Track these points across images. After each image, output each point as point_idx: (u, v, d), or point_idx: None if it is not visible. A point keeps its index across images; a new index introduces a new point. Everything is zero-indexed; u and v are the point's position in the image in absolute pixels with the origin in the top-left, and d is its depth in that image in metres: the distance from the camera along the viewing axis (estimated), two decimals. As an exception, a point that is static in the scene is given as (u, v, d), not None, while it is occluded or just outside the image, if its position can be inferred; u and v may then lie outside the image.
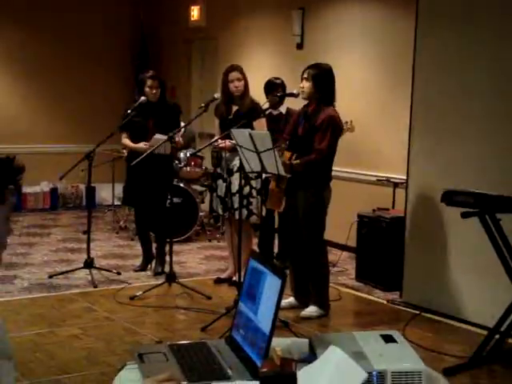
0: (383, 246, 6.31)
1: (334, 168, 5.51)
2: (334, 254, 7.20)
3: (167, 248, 6.25)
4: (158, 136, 6.18)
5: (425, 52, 5.71)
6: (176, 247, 6.77)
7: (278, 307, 2.11)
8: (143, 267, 6.73)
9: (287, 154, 5.34)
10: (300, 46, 8.32)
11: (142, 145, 6.32)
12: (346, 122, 5.72)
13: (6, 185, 1.92)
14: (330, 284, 5.77)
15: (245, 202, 5.95)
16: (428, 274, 5.73)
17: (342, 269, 6.97)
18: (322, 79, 5.34)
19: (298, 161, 5.22)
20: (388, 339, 2.21)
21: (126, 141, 6.52)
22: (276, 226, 6.91)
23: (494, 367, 4.46)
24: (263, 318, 2.19)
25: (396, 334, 2.24)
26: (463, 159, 5.39)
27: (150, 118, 6.40)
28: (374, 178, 7.34)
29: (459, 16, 5.45)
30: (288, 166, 5.19)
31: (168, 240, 6.40)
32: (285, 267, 5.99)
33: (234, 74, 6.04)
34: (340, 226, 6.84)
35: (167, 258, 6.33)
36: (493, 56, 5.20)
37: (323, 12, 8.03)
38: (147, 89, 6.40)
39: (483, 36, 5.26)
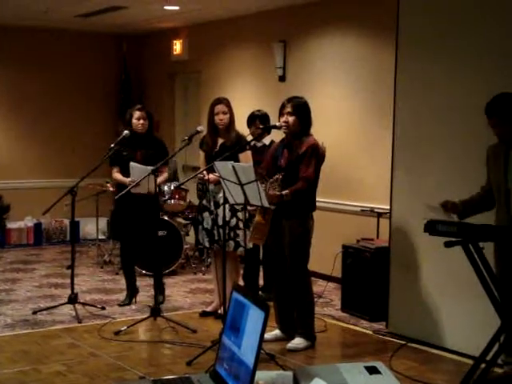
0: (368, 276, 6.31)
1: (318, 199, 5.53)
2: (319, 285, 7.20)
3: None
4: (133, 164, 6.19)
5: (405, 80, 5.77)
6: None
7: (261, 340, 2.10)
8: (129, 301, 6.69)
9: (276, 187, 5.31)
10: (282, 79, 8.38)
11: (127, 180, 6.31)
12: (322, 143, 5.74)
13: None
14: (316, 315, 5.76)
15: (232, 234, 5.96)
16: (413, 304, 5.73)
17: (328, 300, 6.96)
18: (303, 111, 5.39)
19: (287, 191, 5.22)
20: (372, 371, 2.21)
21: (117, 175, 6.53)
22: (261, 257, 6.90)
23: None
24: (247, 351, 2.17)
25: (380, 365, 2.23)
26: (446, 189, 5.42)
27: (137, 150, 6.43)
28: (358, 209, 7.37)
29: (437, 43, 5.51)
30: (279, 197, 5.19)
31: (154, 273, 6.42)
32: (269, 299, 5.98)
33: (220, 107, 6.07)
34: (325, 256, 6.84)
35: (152, 292, 6.35)
36: (473, 80, 5.26)
37: (304, 44, 8.11)
38: (134, 120, 6.44)
39: (462, 62, 5.32)
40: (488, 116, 4.51)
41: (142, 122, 6.45)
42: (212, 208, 6.07)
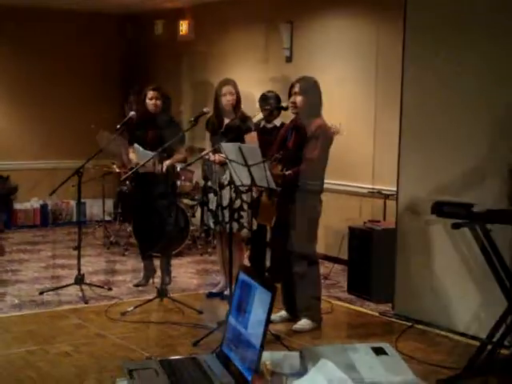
0: (375, 258, 6.30)
1: (325, 180, 5.51)
2: (325, 267, 7.20)
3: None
4: (136, 146, 6.20)
5: (413, 64, 5.73)
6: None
7: (268, 320, 2.10)
8: (146, 282, 6.71)
9: (278, 167, 5.33)
10: (289, 59, 8.34)
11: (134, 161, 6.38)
12: (339, 124, 5.73)
13: None
14: (322, 297, 5.76)
15: (236, 215, 5.95)
16: (420, 286, 5.72)
17: (334, 281, 6.96)
18: (312, 92, 5.35)
19: (290, 171, 5.21)
20: (379, 351, 2.20)
21: (131, 155, 6.56)
22: (267, 239, 6.89)
23: (486, 378, 4.44)
24: (253, 332, 2.17)
25: (387, 347, 2.23)
26: (453, 170, 5.40)
27: (149, 129, 6.40)
28: (365, 191, 7.35)
29: (446, 29, 5.47)
30: (281, 176, 5.18)
31: (162, 255, 6.45)
32: (276, 281, 5.98)
33: (227, 88, 6.05)
34: (331, 238, 6.84)
35: (159, 273, 6.38)
36: (481, 66, 5.22)
37: (312, 25, 8.06)
38: (148, 100, 6.44)
39: (471, 47, 5.28)
40: None
41: (154, 101, 6.42)
42: (217, 189, 6.06)
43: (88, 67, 10.42)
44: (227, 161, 5.24)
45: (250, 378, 2.05)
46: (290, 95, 5.40)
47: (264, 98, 6.80)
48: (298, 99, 5.33)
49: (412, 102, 5.77)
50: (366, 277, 6.37)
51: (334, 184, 7.27)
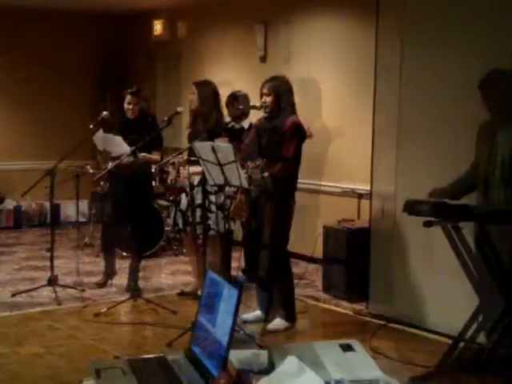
0: (349, 257, 6.31)
1: (299, 180, 5.51)
2: (300, 267, 7.20)
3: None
4: (97, 136, 6.19)
5: (385, 62, 5.74)
6: (142, 262, 6.70)
7: (235, 318, 2.09)
8: (105, 281, 6.66)
9: (251, 164, 5.29)
10: (263, 60, 8.34)
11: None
12: (308, 128, 5.74)
13: None
14: (297, 296, 5.77)
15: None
16: (393, 285, 5.75)
17: (309, 281, 6.96)
18: (282, 91, 5.35)
19: (267, 173, 5.19)
20: (346, 348, 2.20)
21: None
22: (240, 239, 6.89)
23: (459, 375, 4.47)
24: (221, 330, 2.17)
25: (354, 343, 2.23)
26: (425, 169, 5.42)
27: (127, 135, 6.20)
28: (339, 190, 7.36)
29: (417, 26, 5.50)
30: (260, 180, 5.16)
31: (132, 256, 6.43)
32: (251, 280, 5.97)
33: (192, 88, 6.08)
34: (306, 237, 6.84)
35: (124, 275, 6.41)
36: (454, 61, 5.24)
37: (285, 26, 8.06)
38: (125, 105, 6.32)
39: (443, 43, 5.31)
40: (480, 89, 4.51)
41: (132, 107, 6.29)
42: (188, 189, 6.05)
43: (63, 67, 10.34)
44: (200, 160, 5.23)
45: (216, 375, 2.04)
46: (261, 96, 5.40)
47: (232, 97, 6.77)
48: (268, 99, 5.33)
49: (385, 100, 5.79)
50: (340, 276, 6.38)
51: (308, 183, 7.28)
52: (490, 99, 4.52)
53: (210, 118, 6.00)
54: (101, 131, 6.18)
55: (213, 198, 5.92)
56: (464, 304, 4.73)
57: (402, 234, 5.66)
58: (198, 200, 5.94)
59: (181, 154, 5.94)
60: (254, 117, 6.39)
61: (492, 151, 4.51)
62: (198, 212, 5.97)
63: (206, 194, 5.80)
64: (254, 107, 5.54)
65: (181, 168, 6.04)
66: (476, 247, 4.53)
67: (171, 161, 6.08)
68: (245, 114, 6.50)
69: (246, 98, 6.76)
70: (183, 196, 6.12)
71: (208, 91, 6.06)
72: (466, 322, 4.43)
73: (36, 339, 5.18)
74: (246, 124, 6.67)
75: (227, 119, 6.32)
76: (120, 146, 6.03)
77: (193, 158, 5.88)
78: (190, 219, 6.04)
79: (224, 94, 6.90)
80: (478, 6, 5.11)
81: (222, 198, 5.95)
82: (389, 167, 5.77)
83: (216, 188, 5.79)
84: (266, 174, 5.19)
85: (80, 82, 10.50)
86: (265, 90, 5.35)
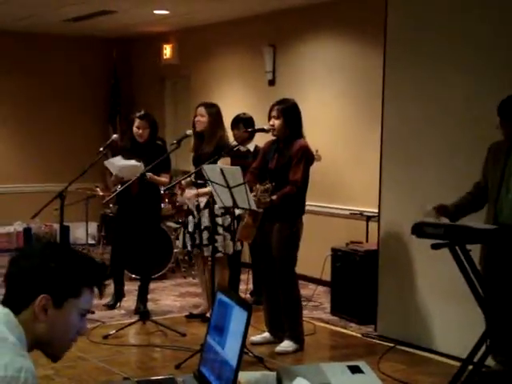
0: (358, 279, 6.32)
1: (307, 202, 5.54)
2: (309, 289, 7.20)
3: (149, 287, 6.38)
4: (111, 161, 6.26)
5: (394, 84, 5.79)
6: (150, 285, 6.73)
7: (244, 339, 2.11)
8: (114, 303, 6.68)
9: (260, 187, 5.31)
10: (272, 83, 8.40)
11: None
12: (316, 151, 5.78)
13: (84, 281, 1.92)
14: (305, 318, 5.77)
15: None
16: (402, 307, 5.74)
17: (317, 303, 6.96)
18: (291, 114, 5.40)
19: (275, 196, 5.23)
20: (355, 370, 2.22)
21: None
22: (248, 261, 6.92)
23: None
24: (230, 351, 2.18)
25: (363, 365, 2.24)
26: (435, 192, 5.43)
27: (137, 159, 6.24)
28: (348, 212, 7.38)
29: (425, 51, 5.55)
30: (268, 203, 5.18)
31: (141, 279, 6.47)
32: (259, 303, 5.99)
33: (199, 110, 6.12)
34: (314, 260, 6.85)
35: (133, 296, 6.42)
36: (461, 82, 5.28)
37: (294, 49, 8.14)
38: (135, 129, 6.34)
39: (450, 66, 5.35)
40: (499, 116, 4.51)
41: (141, 131, 6.32)
42: (195, 212, 6.09)
43: (72, 91, 10.43)
44: (209, 182, 5.27)
45: (225, 397, 2.05)
46: (269, 118, 5.44)
47: (237, 120, 6.80)
48: (277, 122, 5.37)
49: (393, 124, 5.82)
50: (349, 298, 6.38)
51: (316, 206, 7.31)
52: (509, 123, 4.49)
53: (215, 139, 6.03)
54: (119, 158, 6.23)
55: (219, 220, 5.95)
56: (472, 326, 4.73)
57: (410, 256, 5.67)
58: (206, 223, 5.98)
59: (190, 176, 5.97)
60: (259, 140, 6.44)
61: (505, 172, 4.51)
62: (205, 234, 6.00)
63: (213, 216, 5.82)
64: (263, 130, 5.58)
65: (186, 190, 6.08)
66: (482, 268, 4.54)
67: (180, 182, 6.11)
68: (250, 137, 6.53)
69: (250, 121, 6.78)
70: (190, 218, 6.15)
71: (215, 112, 6.11)
72: (475, 345, 4.42)
73: (45, 361, 5.11)
74: (251, 147, 6.69)
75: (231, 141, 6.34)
76: (137, 171, 6.07)
77: (200, 181, 5.93)
78: (198, 241, 6.06)
79: (232, 117, 6.95)
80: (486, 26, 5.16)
81: (229, 219, 5.98)
82: (397, 189, 5.79)
83: (223, 210, 5.82)
84: (274, 197, 5.22)
85: (90, 105, 10.58)
86: (274, 113, 5.39)
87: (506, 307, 4.45)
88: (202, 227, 6.01)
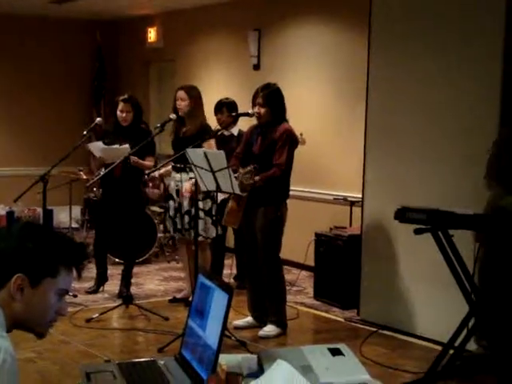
0: (341, 264, 6.34)
1: (291, 187, 5.54)
2: (292, 274, 7.22)
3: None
4: (94, 144, 6.24)
5: (378, 73, 5.79)
6: (134, 269, 6.71)
7: (225, 322, 2.11)
8: (96, 288, 6.67)
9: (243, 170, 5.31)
10: (257, 67, 8.38)
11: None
12: (300, 135, 5.77)
13: (62, 260, 1.89)
14: (289, 303, 5.79)
15: (192, 223, 5.93)
16: (384, 292, 5.77)
17: (301, 288, 6.98)
18: (275, 99, 5.38)
19: (258, 178, 5.22)
20: (335, 352, 2.22)
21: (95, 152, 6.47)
22: (232, 245, 6.92)
23: (448, 382, 4.49)
24: (211, 334, 2.18)
25: (343, 347, 2.25)
26: (417, 177, 5.46)
27: (121, 142, 6.21)
28: (331, 197, 7.39)
29: (411, 36, 5.54)
30: (251, 185, 5.18)
31: (125, 263, 6.46)
32: (243, 287, 6.00)
33: (179, 94, 6.10)
34: (298, 244, 6.86)
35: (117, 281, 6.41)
36: (446, 75, 5.29)
37: (279, 33, 8.11)
38: (118, 112, 6.30)
39: (435, 55, 5.36)
40: None
41: (124, 114, 6.27)
42: (174, 196, 6.08)
43: (56, 74, 10.35)
44: (192, 166, 5.25)
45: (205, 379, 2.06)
46: (253, 104, 5.42)
47: (220, 105, 6.77)
48: (262, 110, 5.35)
49: (377, 109, 5.83)
50: (332, 283, 6.40)
51: (300, 190, 7.31)
52: None
53: (198, 121, 6.02)
54: (100, 143, 6.20)
55: (200, 204, 5.93)
56: (454, 311, 4.76)
57: (393, 241, 5.69)
58: (186, 207, 5.98)
59: (173, 160, 5.96)
60: (242, 124, 6.43)
61: None
62: (186, 219, 6.00)
63: (195, 200, 5.81)
64: (247, 114, 5.57)
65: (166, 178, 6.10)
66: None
67: (163, 167, 6.09)
68: (233, 122, 6.52)
69: (234, 105, 6.76)
70: (171, 203, 6.14)
71: (196, 95, 6.10)
72: (456, 329, 4.45)
73: (27, 344, 5.15)
74: (234, 131, 6.68)
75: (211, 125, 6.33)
76: (122, 154, 6.04)
77: (179, 165, 5.94)
78: (179, 226, 6.06)
79: (216, 101, 6.93)
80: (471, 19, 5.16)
81: (210, 203, 5.98)
82: (380, 175, 5.80)
83: (203, 194, 5.81)
84: (257, 178, 5.22)
85: (73, 88, 10.51)
86: (259, 100, 5.37)
87: (496, 295, 4.49)
88: (183, 211, 6.01)
